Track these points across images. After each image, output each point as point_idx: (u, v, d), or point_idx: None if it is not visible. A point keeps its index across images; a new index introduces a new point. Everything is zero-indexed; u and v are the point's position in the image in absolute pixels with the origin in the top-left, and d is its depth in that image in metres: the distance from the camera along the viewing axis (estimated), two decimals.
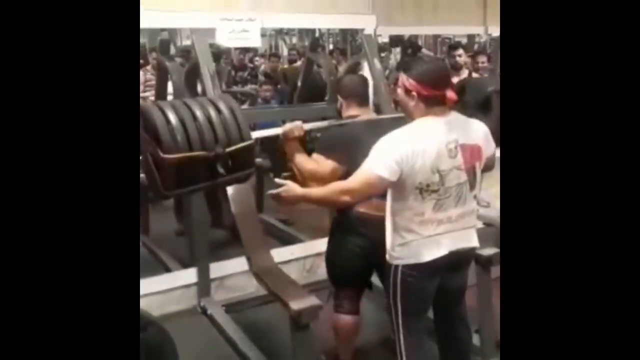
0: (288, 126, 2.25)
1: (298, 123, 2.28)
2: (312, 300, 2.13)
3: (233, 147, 1.89)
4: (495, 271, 2.34)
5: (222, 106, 1.93)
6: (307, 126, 2.33)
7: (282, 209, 2.25)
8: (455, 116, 1.92)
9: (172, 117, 1.83)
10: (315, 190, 2.01)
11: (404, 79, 1.90)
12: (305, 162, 2.28)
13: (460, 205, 1.90)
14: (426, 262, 1.89)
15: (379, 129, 2.27)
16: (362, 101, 2.45)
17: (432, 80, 1.87)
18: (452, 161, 1.85)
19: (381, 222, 2.19)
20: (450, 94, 1.86)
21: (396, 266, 1.93)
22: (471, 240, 1.99)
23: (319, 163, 2.27)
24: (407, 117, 1.95)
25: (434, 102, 1.86)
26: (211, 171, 1.89)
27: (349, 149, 2.23)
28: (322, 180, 2.19)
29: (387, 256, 1.97)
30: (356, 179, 1.87)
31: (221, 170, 1.89)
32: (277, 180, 2.03)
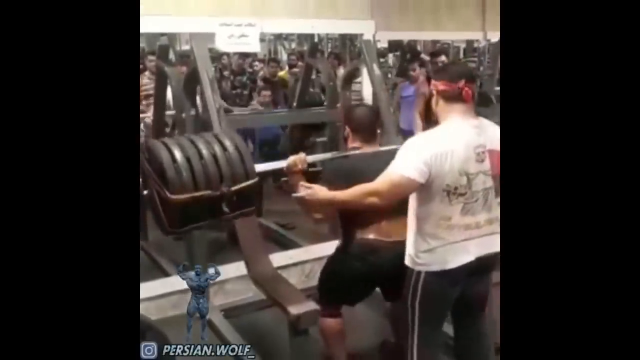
0: (291, 159, 2.25)
1: (302, 155, 2.28)
2: (311, 305, 2.12)
3: (238, 186, 1.90)
4: (495, 276, 2.34)
5: (228, 143, 1.93)
6: (310, 158, 2.33)
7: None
8: (484, 122, 1.93)
9: (178, 155, 1.83)
10: (341, 193, 1.99)
11: (431, 85, 1.97)
12: None
13: (486, 210, 1.89)
14: (452, 268, 1.87)
15: (382, 160, 2.28)
16: (370, 136, 2.44)
17: (446, 74, 1.92)
18: (480, 165, 1.85)
19: (391, 248, 2.18)
20: (462, 84, 1.86)
21: (418, 272, 1.91)
22: (497, 245, 1.97)
23: None
24: (436, 122, 1.97)
25: (451, 97, 1.88)
26: (216, 210, 1.90)
27: (352, 180, 2.22)
28: (325, 211, 2.21)
29: (409, 262, 1.94)
30: (384, 181, 1.86)
31: (226, 209, 1.89)
32: (302, 184, 2.03)
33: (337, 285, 2.37)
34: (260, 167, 2.05)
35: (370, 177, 2.12)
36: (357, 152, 2.36)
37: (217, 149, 1.90)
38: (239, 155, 1.92)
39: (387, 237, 2.22)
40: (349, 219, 2.35)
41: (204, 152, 1.87)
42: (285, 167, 2.24)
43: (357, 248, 2.30)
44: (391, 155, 2.35)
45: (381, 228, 2.26)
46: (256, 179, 1.94)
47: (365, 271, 2.28)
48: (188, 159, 1.83)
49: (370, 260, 2.26)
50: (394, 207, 2.16)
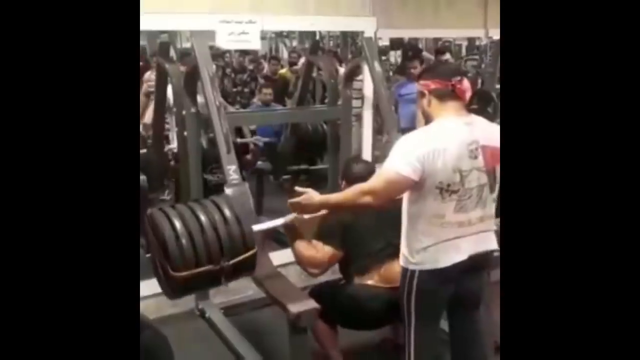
0: (289, 217, 2.25)
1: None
2: (310, 304, 2.12)
3: (238, 259, 1.95)
4: (495, 274, 2.33)
5: (228, 213, 1.98)
6: (307, 216, 2.34)
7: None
8: (475, 118, 1.93)
9: (180, 231, 1.88)
10: (336, 195, 2.00)
11: (417, 85, 1.96)
12: (304, 249, 2.31)
13: (480, 207, 1.89)
14: (445, 267, 1.87)
15: (376, 215, 2.28)
16: None
17: (437, 73, 1.93)
18: (473, 162, 1.85)
19: (389, 295, 2.20)
20: (457, 83, 1.86)
21: (412, 271, 1.91)
22: (491, 243, 1.96)
23: (318, 250, 2.31)
24: (427, 123, 1.97)
25: (444, 95, 1.87)
26: (214, 279, 1.97)
27: (346, 235, 2.31)
28: (321, 266, 2.27)
29: (403, 261, 1.95)
30: (378, 179, 1.86)
31: (224, 282, 1.98)
32: (297, 188, 2.04)
33: (332, 317, 2.39)
34: (258, 227, 2.11)
35: (362, 232, 2.25)
36: None
37: (218, 219, 1.95)
38: (238, 227, 1.97)
39: (386, 283, 2.25)
40: (347, 265, 2.38)
41: (205, 225, 1.92)
42: (283, 225, 2.26)
43: (355, 293, 2.32)
44: (385, 212, 2.38)
45: (380, 274, 2.28)
46: (254, 251, 1.99)
47: (361, 316, 2.32)
48: (190, 235, 1.89)
49: (368, 306, 2.29)
50: (394, 250, 2.17)
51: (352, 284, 2.36)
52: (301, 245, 2.31)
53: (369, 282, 2.30)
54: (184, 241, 1.86)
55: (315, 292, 2.45)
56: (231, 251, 1.93)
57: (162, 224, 1.87)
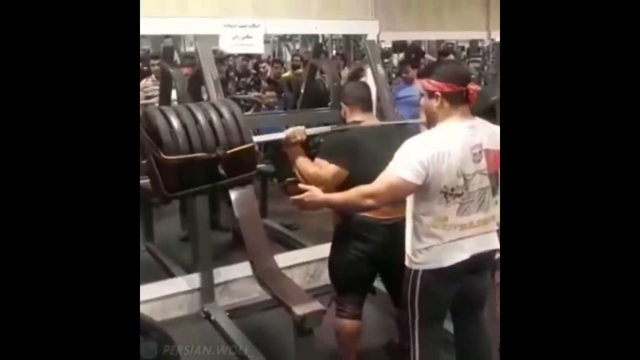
0: (290, 130, 2.24)
1: (300, 128, 2.28)
2: (315, 305, 2.12)
3: (234, 150, 1.91)
4: (500, 276, 2.34)
5: (224, 110, 1.95)
6: (310, 131, 2.32)
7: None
8: (479, 121, 1.92)
9: (174, 121, 1.85)
10: (339, 195, 1.99)
11: (425, 83, 1.91)
12: (307, 165, 2.27)
13: (482, 210, 1.89)
14: (448, 266, 1.88)
15: (381, 134, 2.28)
16: (365, 107, 2.45)
17: (453, 77, 1.88)
18: (476, 165, 1.85)
19: (386, 226, 2.20)
20: (473, 86, 1.86)
21: (416, 271, 1.91)
22: (492, 243, 1.96)
23: (322, 167, 2.26)
24: (430, 123, 1.95)
25: (457, 100, 1.86)
26: (212, 173, 1.91)
27: (351, 154, 2.24)
28: (324, 184, 2.17)
29: (407, 261, 1.95)
30: (381, 183, 1.85)
31: (222, 172, 1.91)
32: (300, 185, 2.03)
33: (341, 265, 2.36)
34: (258, 138, 2.06)
35: (368, 151, 2.14)
36: (355, 126, 2.36)
37: (214, 115, 1.92)
38: (235, 122, 1.94)
39: (383, 215, 2.20)
40: None
41: (200, 118, 1.89)
42: (284, 139, 2.23)
43: (354, 226, 2.28)
44: (388, 129, 2.32)
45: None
46: (252, 144, 1.96)
47: (365, 249, 2.27)
48: (184, 124, 1.85)
49: (367, 236, 2.25)
50: None
51: (351, 218, 2.28)
52: (305, 162, 2.27)
53: (366, 214, 2.20)
54: (177, 128, 1.83)
55: (328, 258, 2.43)
56: (227, 142, 1.90)
57: (155, 117, 1.85)
